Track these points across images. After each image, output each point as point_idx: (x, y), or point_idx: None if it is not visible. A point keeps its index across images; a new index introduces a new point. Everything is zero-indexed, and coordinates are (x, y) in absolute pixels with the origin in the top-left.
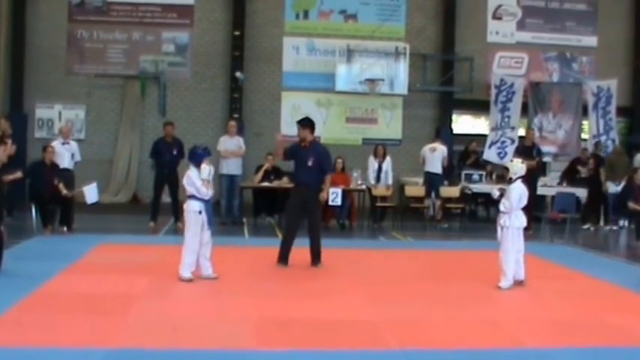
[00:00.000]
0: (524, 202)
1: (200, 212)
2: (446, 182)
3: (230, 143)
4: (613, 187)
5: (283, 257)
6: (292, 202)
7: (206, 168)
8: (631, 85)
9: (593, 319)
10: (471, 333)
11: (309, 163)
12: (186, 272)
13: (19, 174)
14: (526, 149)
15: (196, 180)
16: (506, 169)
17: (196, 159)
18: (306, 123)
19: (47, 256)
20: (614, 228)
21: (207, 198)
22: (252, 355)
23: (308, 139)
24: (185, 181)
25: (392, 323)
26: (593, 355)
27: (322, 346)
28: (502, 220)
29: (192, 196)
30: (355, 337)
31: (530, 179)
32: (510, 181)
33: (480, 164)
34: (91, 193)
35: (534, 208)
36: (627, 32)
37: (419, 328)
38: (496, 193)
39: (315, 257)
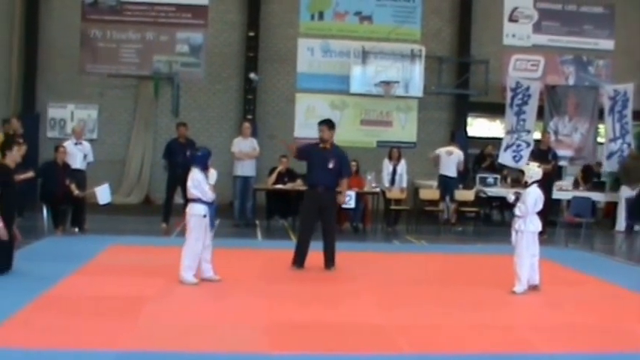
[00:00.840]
0: (540, 206)
1: (205, 216)
2: (460, 186)
3: (244, 145)
4: (628, 192)
5: (299, 260)
6: (308, 204)
7: (214, 173)
8: None
9: (608, 325)
10: (484, 338)
11: (330, 166)
12: (188, 275)
13: (30, 174)
14: (542, 153)
15: (204, 183)
16: (522, 172)
17: (201, 161)
18: (331, 124)
19: (58, 257)
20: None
21: (212, 200)
22: (265, 358)
23: (330, 140)
24: (190, 184)
25: (405, 327)
26: None
27: (334, 350)
28: (517, 224)
29: (197, 200)
30: (368, 341)
31: (546, 183)
32: (526, 185)
33: (496, 168)
34: (102, 193)
35: (550, 212)
36: None
37: (432, 333)
38: (512, 197)
39: (329, 260)
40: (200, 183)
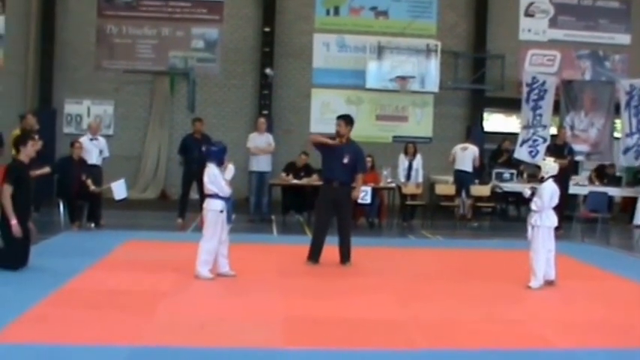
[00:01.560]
0: (556, 201)
1: (222, 211)
2: (477, 181)
3: (259, 140)
4: None
5: (314, 255)
6: (323, 199)
7: (232, 169)
8: None
9: (624, 321)
10: (500, 333)
11: (345, 161)
12: (204, 270)
13: (47, 169)
14: (558, 148)
15: (220, 179)
16: (538, 167)
17: (217, 156)
18: (349, 119)
19: (74, 252)
20: None
21: (228, 195)
22: (280, 353)
23: (346, 135)
24: (207, 179)
25: (420, 322)
26: (623, 356)
27: (350, 345)
28: (533, 219)
29: (214, 195)
30: (383, 337)
31: (562, 178)
32: (542, 180)
33: (512, 163)
34: (118, 189)
35: (566, 207)
36: None
37: (448, 328)
38: (527, 192)
39: (345, 256)
40: (216, 178)
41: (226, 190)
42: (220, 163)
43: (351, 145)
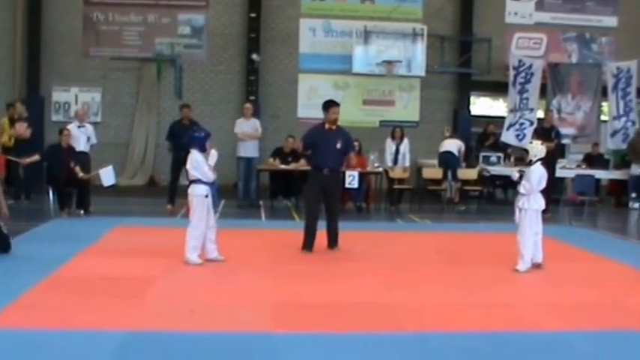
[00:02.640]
0: (544, 184)
1: (207, 196)
2: (463, 164)
3: (246, 126)
4: (637, 170)
5: (309, 244)
6: (314, 186)
7: (215, 154)
8: None
9: (611, 302)
10: (488, 316)
11: (338, 146)
12: (192, 256)
13: (36, 157)
14: (545, 131)
15: (203, 164)
16: (526, 151)
17: (199, 143)
18: (337, 104)
19: (64, 239)
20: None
21: (212, 180)
22: (269, 337)
23: (336, 121)
24: (190, 166)
25: (409, 306)
26: (611, 338)
27: (339, 329)
28: (520, 202)
29: (198, 181)
30: (372, 320)
31: (549, 162)
32: (530, 163)
33: (499, 146)
34: (107, 175)
35: (553, 190)
36: None
37: (436, 311)
38: (516, 175)
39: (333, 241)
40: (199, 164)
41: (209, 176)
42: (203, 150)
43: (341, 130)
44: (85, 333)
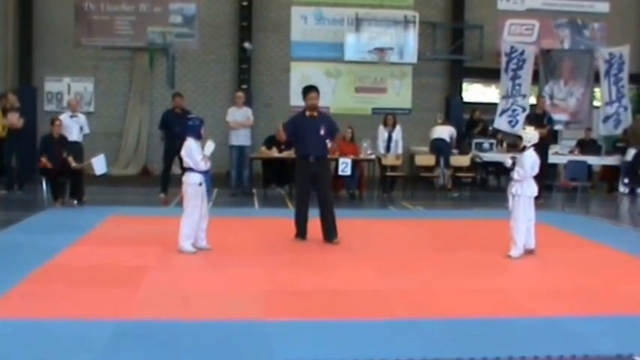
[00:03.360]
0: (537, 170)
1: (200, 184)
2: (454, 151)
3: (238, 114)
4: (630, 155)
5: (301, 232)
6: (302, 175)
7: (211, 145)
8: None
9: (604, 288)
10: (481, 302)
11: (322, 132)
12: (186, 244)
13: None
14: (537, 117)
15: (196, 153)
16: (520, 137)
17: (194, 130)
18: (316, 89)
19: (58, 229)
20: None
21: (204, 170)
22: (262, 325)
23: (315, 107)
24: (184, 152)
25: (401, 293)
26: (603, 323)
27: (331, 317)
28: (514, 188)
29: (192, 169)
30: (364, 307)
31: (542, 148)
32: (524, 149)
33: (488, 132)
34: (98, 164)
35: (546, 176)
36: None
37: (429, 298)
38: (509, 162)
39: (331, 232)
40: (192, 152)
41: (201, 165)
42: (198, 137)
43: (323, 115)
44: (79, 322)
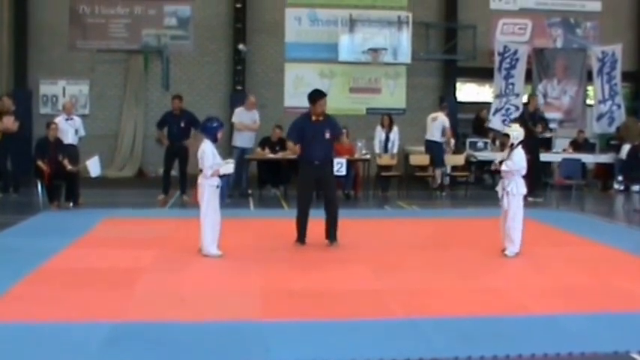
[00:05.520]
0: (524, 165)
1: (218, 186)
2: (447, 148)
3: (245, 116)
4: (625, 153)
5: (301, 237)
6: (306, 179)
7: (229, 167)
8: (636, 49)
9: (599, 285)
10: (477, 300)
11: (327, 136)
12: (212, 249)
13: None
14: (530, 116)
15: (207, 158)
16: (507, 135)
17: (211, 132)
18: (323, 94)
19: (54, 232)
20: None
21: (207, 177)
22: (259, 326)
23: (323, 113)
24: (198, 155)
25: (398, 292)
26: (599, 321)
27: (328, 317)
28: (509, 187)
29: None
30: (361, 307)
31: (532, 146)
32: (512, 146)
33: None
34: (93, 166)
35: (539, 174)
36: None
37: (425, 297)
38: (496, 163)
39: (331, 233)
40: (204, 156)
41: (208, 173)
42: (214, 140)
43: (327, 119)
44: (75, 324)
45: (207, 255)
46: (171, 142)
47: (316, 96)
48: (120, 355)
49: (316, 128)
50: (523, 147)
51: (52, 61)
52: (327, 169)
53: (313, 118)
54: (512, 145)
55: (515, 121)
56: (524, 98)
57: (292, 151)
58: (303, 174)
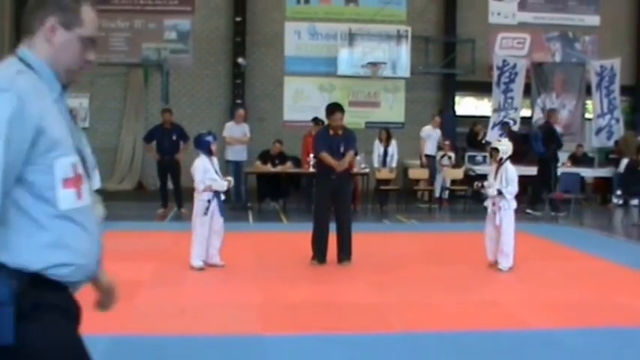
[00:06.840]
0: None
1: (209, 201)
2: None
3: (235, 130)
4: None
5: (320, 253)
6: (323, 192)
7: (225, 185)
8: (634, 63)
9: (598, 300)
10: (475, 315)
11: (342, 150)
12: (196, 262)
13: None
14: (552, 131)
15: (199, 173)
16: (496, 149)
17: (204, 146)
18: (342, 109)
19: None
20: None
21: (200, 191)
22: (258, 339)
23: (340, 127)
24: (191, 170)
25: (396, 306)
26: (598, 335)
27: (327, 330)
28: (501, 202)
29: None
30: (360, 321)
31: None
32: (500, 161)
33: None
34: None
35: (549, 190)
36: (630, 10)
37: (424, 311)
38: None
39: (346, 253)
40: (195, 170)
41: (200, 187)
42: (209, 153)
43: (347, 133)
44: None
45: (191, 267)
46: (162, 156)
47: (333, 111)
48: None
49: (334, 142)
50: (544, 162)
51: None
52: (344, 183)
53: (331, 132)
54: (500, 159)
55: (509, 135)
56: (523, 112)
57: (331, 163)
58: (319, 187)
